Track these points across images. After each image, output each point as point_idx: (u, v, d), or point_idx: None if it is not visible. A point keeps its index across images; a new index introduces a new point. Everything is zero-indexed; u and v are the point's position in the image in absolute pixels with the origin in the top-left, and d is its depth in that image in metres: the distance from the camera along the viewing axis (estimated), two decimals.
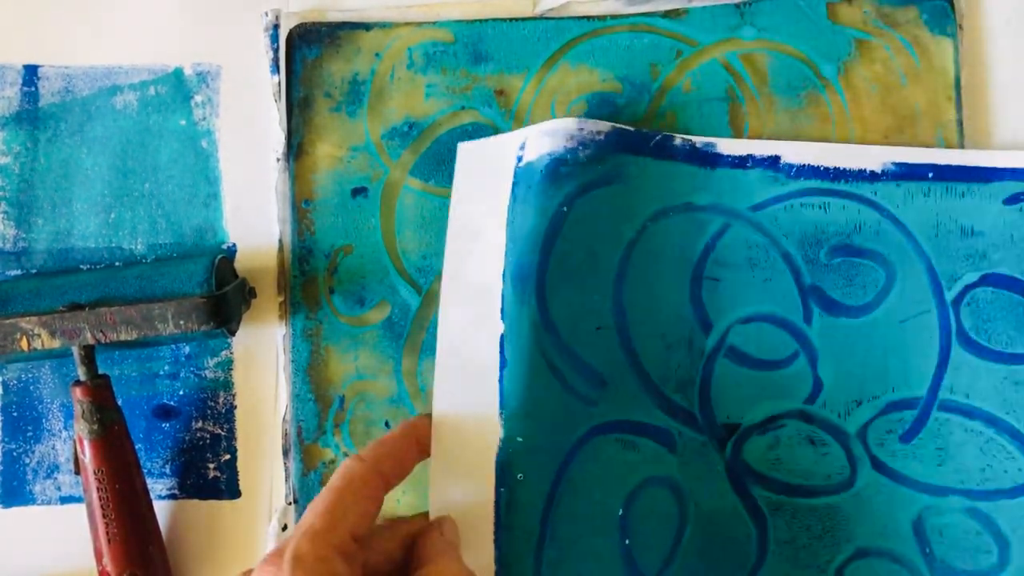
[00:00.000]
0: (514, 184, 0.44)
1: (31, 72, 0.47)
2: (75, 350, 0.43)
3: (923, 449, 0.44)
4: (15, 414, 0.47)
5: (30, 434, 0.47)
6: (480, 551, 0.42)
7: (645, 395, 0.44)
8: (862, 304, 0.45)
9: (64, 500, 0.47)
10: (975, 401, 0.44)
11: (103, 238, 0.47)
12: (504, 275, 0.43)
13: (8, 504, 0.47)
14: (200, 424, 0.47)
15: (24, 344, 0.43)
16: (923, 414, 0.44)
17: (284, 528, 0.47)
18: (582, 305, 0.44)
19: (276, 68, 0.46)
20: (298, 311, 0.47)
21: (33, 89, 0.47)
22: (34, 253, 0.47)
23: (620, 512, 0.43)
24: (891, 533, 0.44)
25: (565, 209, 0.43)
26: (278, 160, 0.47)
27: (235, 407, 0.47)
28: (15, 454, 0.47)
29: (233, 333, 0.46)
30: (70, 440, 0.47)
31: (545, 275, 0.43)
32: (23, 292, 0.45)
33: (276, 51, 0.46)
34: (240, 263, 0.47)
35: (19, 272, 0.47)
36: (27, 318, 0.43)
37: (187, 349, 0.47)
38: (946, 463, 0.44)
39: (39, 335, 0.43)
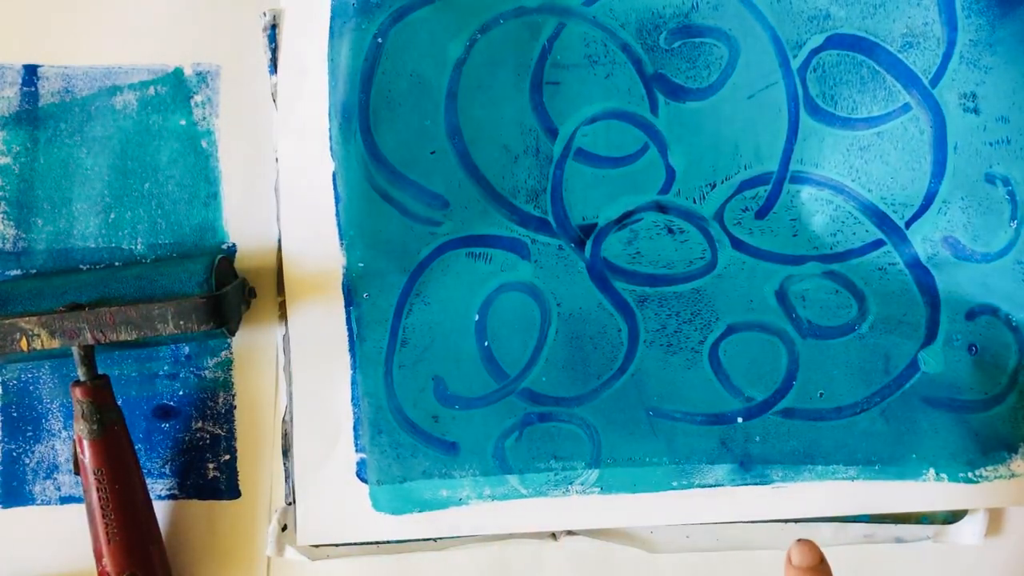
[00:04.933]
0: (331, 19, 0.45)
1: (31, 72, 0.47)
2: (75, 350, 0.43)
3: (778, 223, 0.45)
4: (15, 414, 0.47)
5: (30, 434, 0.47)
6: (338, 362, 0.46)
7: (493, 209, 0.45)
8: (707, 85, 0.45)
9: (64, 500, 0.47)
10: (824, 171, 0.45)
11: (103, 238, 0.47)
12: (329, 113, 0.45)
13: (8, 504, 0.47)
14: (200, 424, 0.47)
15: (24, 344, 0.43)
16: (776, 188, 0.45)
17: (284, 528, 0.47)
18: (412, 132, 0.45)
19: (274, 68, 0.46)
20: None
21: (33, 89, 0.47)
22: (34, 253, 0.47)
23: (476, 318, 0.45)
24: (757, 306, 0.46)
25: (380, 41, 0.44)
26: (278, 160, 0.47)
27: (235, 407, 0.47)
28: (15, 454, 0.47)
29: (233, 333, 0.46)
30: (70, 440, 0.47)
31: (368, 110, 0.44)
32: (23, 292, 0.45)
33: (274, 51, 0.46)
34: (240, 263, 0.47)
35: (19, 272, 0.47)
36: (27, 318, 0.43)
37: (187, 349, 0.47)
38: (800, 233, 0.45)
39: (39, 335, 0.43)
